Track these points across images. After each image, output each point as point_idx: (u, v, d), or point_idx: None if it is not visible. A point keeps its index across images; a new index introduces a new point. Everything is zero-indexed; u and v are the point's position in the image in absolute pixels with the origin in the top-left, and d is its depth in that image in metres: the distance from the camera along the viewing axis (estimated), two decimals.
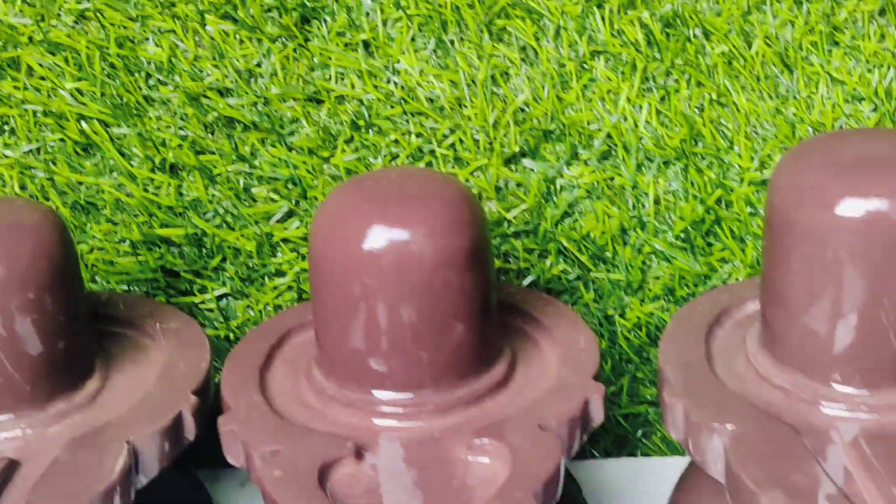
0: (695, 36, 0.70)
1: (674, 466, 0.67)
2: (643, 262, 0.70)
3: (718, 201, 0.70)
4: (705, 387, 0.57)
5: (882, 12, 0.71)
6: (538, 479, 0.52)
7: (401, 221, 0.55)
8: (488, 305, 0.58)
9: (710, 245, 0.70)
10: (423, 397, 0.57)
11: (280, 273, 0.70)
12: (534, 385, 0.59)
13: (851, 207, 0.52)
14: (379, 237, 0.55)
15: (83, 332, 0.61)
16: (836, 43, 0.71)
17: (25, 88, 0.68)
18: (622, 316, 0.71)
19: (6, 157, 0.68)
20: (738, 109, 0.70)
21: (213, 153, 0.69)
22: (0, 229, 0.57)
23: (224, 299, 0.71)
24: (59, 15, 0.67)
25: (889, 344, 0.54)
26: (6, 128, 0.68)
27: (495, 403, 0.58)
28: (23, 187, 0.69)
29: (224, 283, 0.71)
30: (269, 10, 0.68)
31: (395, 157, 0.68)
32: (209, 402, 0.60)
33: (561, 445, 0.54)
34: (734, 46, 0.71)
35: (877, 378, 0.55)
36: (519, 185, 0.69)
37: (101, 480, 0.53)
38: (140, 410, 0.58)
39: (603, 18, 0.69)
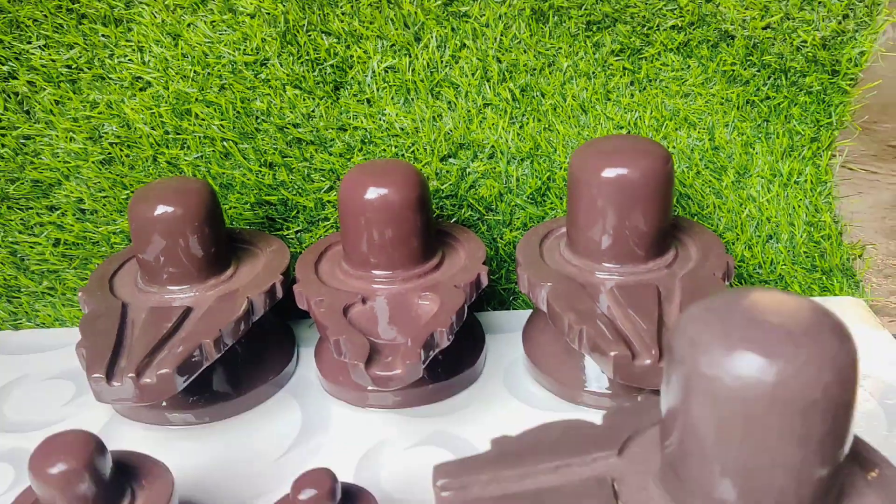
0: (536, 95, 0.73)
1: (528, 313, 0.70)
2: (511, 211, 0.72)
3: (549, 179, 0.72)
4: (537, 266, 0.59)
5: (632, 83, 0.74)
6: (453, 310, 0.55)
7: (383, 184, 0.58)
8: (429, 229, 0.61)
9: (545, 201, 0.72)
10: (396, 274, 0.59)
11: (326, 219, 0.72)
12: (452, 268, 0.61)
13: (608, 172, 0.56)
14: (371, 192, 0.58)
15: (225, 245, 0.62)
16: (609, 99, 0.74)
17: (194, 124, 0.70)
18: (501, 238, 0.73)
19: (185, 160, 0.70)
20: (559, 133, 0.73)
21: (291, 157, 0.71)
22: (181, 190, 0.59)
23: (298, 233, 0.73)
24: (210, 86, 0.69)
25: (629, 244, 0.57)
26: (185, 145, 0.70)
27: (433, 276, 0.60)
28: (194, 175, 0.71)
29: (299, 225, 0.72)
30: (318, 83, 0.70)
31: (383, 158, 0.71)
32: (289, 280, 0.62)
33: (465, 295, 0.57)
34: (557, 101, 0.73)
35: (623, 259, 0.58)
36: (448, 171, 0.71)
37: (233, 315, 0.56)
38: (253, 283, 0.60)
39: (489, 86, 0.72)
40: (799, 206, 0.76)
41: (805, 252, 0.74)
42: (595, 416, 0.58)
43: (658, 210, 0.57)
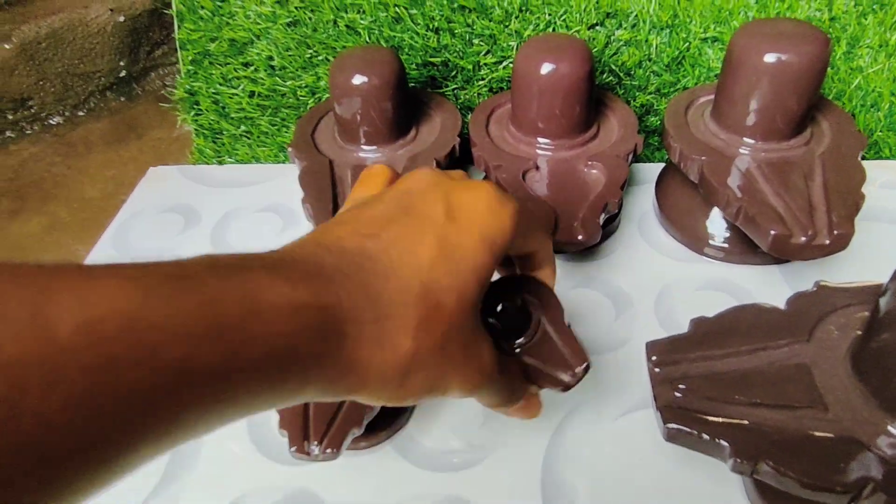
0: None
1: (653, 167, 0.64)
2: (647, 77, 0.62)
3: (685, 48, 0.62)
4: (689, 138, 0.51)
5: None
6: (621, 179, 0.49)
7: (556, 58, 0.49)
8: (591, 99, 0.53)
9: (679, 69, 0.62)
10: (562, 141, 0.52)
11: (481, 79, 0.63)
12: (610, 136, 0.54)
13: (770, 56, 0.46)
14: (546, 65, 0.49)
15: (409, 108, 0.56)
16: None
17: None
18: (634, 100, 0.63)
19: (361, 23, 0.61)
20: (694, 3, 0.62)
21: (455, 23, 0.61)
22: (374, 60, 0.52)
23: (455, 90, 0.64)
24: None
25: (777, 122, 0.49)
26: (361, 10, 0.61)
27: (593, 146, 0.53)
28: (367, 40, 0.62)
29: (457, 84, 0.64)
30: None
31: (536, 25, 0.61)
32: (463, 140, 0.56)
33: (628, 166, 0.51)
34: None
35: (768, 136, 0.49)
36: (594, 39, 0.61)
37: None
38: (436, 144, 0.54)
39: None
40: None
41: None
42: (715, 267, 0.54)
43: (812, 92, 0.48)
